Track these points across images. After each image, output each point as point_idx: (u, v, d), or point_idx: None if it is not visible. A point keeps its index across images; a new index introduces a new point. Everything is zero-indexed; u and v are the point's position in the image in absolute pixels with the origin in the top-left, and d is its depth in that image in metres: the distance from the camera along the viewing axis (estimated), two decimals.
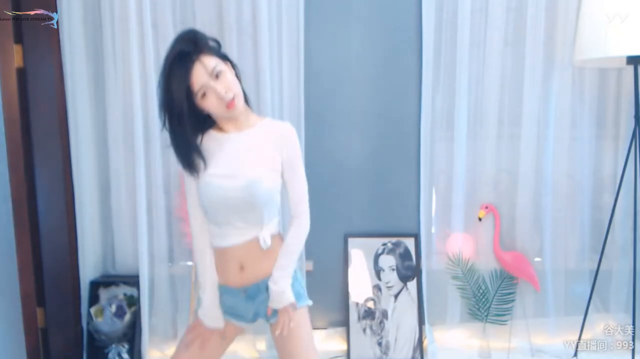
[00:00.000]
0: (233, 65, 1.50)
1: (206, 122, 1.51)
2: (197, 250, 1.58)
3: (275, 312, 1.53)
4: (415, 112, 2.46)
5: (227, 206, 1.47)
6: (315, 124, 2.44)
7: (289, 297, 1.50)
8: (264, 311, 1.56)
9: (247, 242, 1.51)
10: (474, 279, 2.46)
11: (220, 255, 1.55)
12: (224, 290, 1.57)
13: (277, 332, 1.52)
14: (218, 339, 1.60)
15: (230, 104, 1.41)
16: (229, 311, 1.59)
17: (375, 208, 2.53)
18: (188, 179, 1.52)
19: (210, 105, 1.42)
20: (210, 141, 1.51)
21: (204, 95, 1.41)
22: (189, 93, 1.39)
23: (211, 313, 1.57)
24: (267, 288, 1.52)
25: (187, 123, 1.41)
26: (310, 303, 1.61)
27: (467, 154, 2.45)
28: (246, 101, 1.52)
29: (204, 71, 1.39)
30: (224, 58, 1.48)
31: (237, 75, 1.49)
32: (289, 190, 1.54)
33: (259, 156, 1.48)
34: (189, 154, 1.46)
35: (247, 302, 1.56)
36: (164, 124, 1.44)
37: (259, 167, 1.47)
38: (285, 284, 1.50)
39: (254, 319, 1.61)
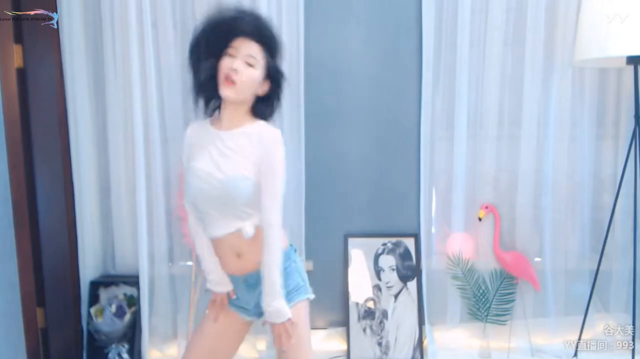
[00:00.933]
0: (276, 87, 1.55)
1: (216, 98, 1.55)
2: (193, 229, 1.65)
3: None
4: (415, 112, 2.46)
5: (206, 200, 1.51)
6: (315, 124, 2.44)
7: (286, 313, 1.49)
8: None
9: (232, 233, 1.52)
10: (474, 279, 2.46)
11: (217, 245, 1.58)
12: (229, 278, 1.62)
13: (276, 343, 1.53)
14: (232, 322, 1.64)
15: (227, 80, 1.45)
16: (233, 301, 1.63)
17: (375, 208, 2.53)
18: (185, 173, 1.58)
19: (221, 66, 1.47)
20: (202, 133, 1.56)
21: (228, 55, 1.47)
22: (223, 45, 1.47)
23: (214, 278, 1.63)
24: None
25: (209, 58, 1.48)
26: (311, 296, 1.60)
27: (467, 154, 2.45)
28: (262, 115, 1.55)
29: (246, 46, 1.46)
30: (271, 72, 1.52)
31: (273, 99, 1.56)
32: (261, 197, 1.50)
33: (240, 156, 1.49)
34: (205, 81, 1.51)
35: (248, 291, 1.58)
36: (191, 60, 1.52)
37: (239, 166, 1.48)
38: (278, 302, 1.48)
39: (255, 310, 1.60)
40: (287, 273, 1.54)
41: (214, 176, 1.48)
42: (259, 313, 1.60)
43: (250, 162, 1.49)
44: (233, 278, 1.60)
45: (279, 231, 1.49)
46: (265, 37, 1.50)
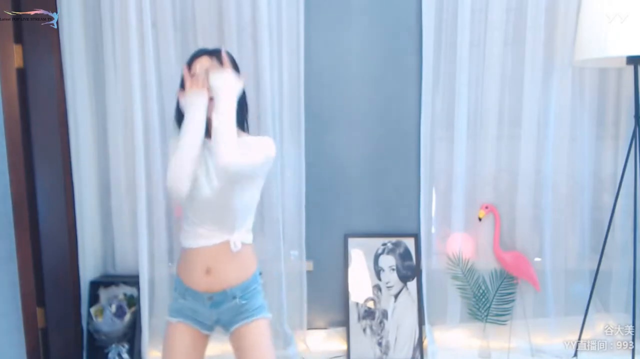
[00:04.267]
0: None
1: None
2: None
3: (237, 320, 1.59)
4: (415, 112, 2.46)
5: (203, 206, 1.55)
6: (315, 124, 2.44)
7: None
8: (226, 319, 1.60)
9: (216, 245, 1.57)
10: (474, 279, 2.46)
11: (188, 256, 1.61)
12: (189, 292, 1.61)
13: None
14: (194, 337, 1.63)
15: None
16: (189, 314, 1.62)
17: (375, 208, 2.53)
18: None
19: None
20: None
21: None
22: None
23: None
24: (233, 297, 1.58)
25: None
26: (269, 316, 1.65)
27: (467, 154, 2.45)
28: (242, 127, 1.66)
29: (202, 64, 1.58)
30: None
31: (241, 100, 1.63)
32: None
33: None
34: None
35: (211, 309, 1.60)
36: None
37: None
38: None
39: (212, 326, 1.65)
40: (254, 293, 1.62)
41: (209, 184, 1.54)
42: (213, 328, 1.66)
43: None
44: (196, 295, 1.60)
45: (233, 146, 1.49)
46: (210, 51, 1.63)
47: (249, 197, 1.60)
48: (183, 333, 1.62)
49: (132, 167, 2.36)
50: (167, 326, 1.65)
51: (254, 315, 1.60)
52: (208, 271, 1.57)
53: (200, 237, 1.57)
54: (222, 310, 1.60)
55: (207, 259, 1.57)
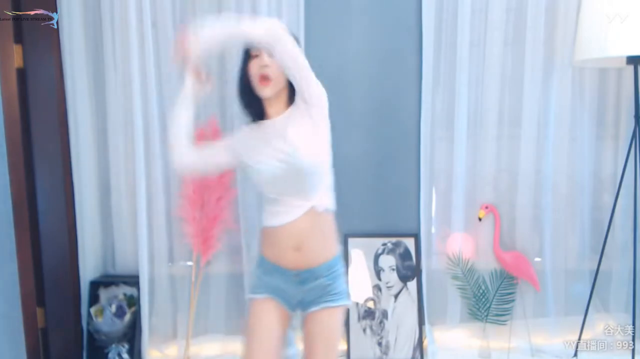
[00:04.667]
0: None
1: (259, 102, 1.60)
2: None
3: (321, 301, 1.56)
4: (415, 112, 2.45)
5: (276, 179, 1.52)
6: None
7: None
8: (310, 299, 1.57)
9: (302, 217, 1.53)
10: (474, 279, 2.46)
11: (274, 234, 1.57)
12: (275, 269, 1.58)
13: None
14: (279, 314, 1.60)
15: (262, 78, 1.52)
16: (275, 291, 1.59)
17: (375, 208, 2.52)
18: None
19: (251, 68, 1.55)
20: (254, 129, 1.62)
21: (255, 57, 1.53)
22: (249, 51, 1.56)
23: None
24: (317, 277, 1.56)
25: (245, 72, 1.57)
26: (350, 303, 1.64)
27: (467, 154, 2.45)
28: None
29: (265, 59, 1.52)
30: None
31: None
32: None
33: (298, 129, 1.56)
34: (247, 100, 1.60)
35: (297, 287, 1.57)
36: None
37: (299, 138, 1.54)
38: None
39: (296, 306, 1.61)
40: (337, 275, 1.60)
41: (279, 153, 1.51)
42: (300, 308, 1.62)
43: (310, 128, 1.58)
44: (283, 271, 1.57)
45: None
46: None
47: (315, 154, 1.57)
48: (271, 307, 1.59)
49: (132, 167, 2.37)
50: (252, 304, 1.61)
51: (337, 300, 1.57)
52: (298, 248, 1.53)
53: (284, 214, 1.53)
54: (307, 288, 1.56)
55: (296, 235, 1.53)
